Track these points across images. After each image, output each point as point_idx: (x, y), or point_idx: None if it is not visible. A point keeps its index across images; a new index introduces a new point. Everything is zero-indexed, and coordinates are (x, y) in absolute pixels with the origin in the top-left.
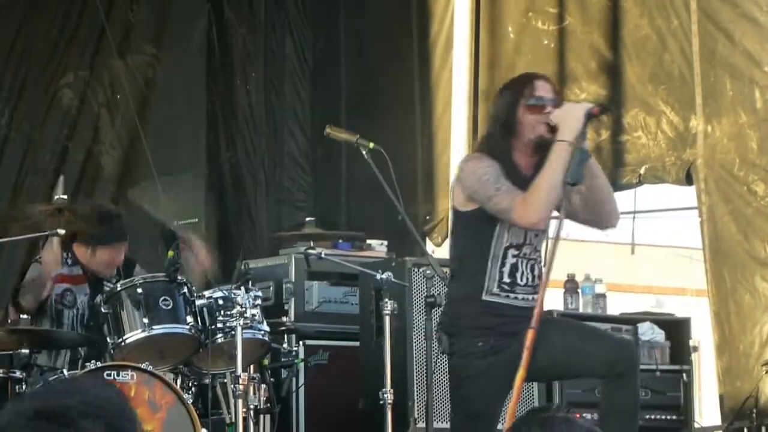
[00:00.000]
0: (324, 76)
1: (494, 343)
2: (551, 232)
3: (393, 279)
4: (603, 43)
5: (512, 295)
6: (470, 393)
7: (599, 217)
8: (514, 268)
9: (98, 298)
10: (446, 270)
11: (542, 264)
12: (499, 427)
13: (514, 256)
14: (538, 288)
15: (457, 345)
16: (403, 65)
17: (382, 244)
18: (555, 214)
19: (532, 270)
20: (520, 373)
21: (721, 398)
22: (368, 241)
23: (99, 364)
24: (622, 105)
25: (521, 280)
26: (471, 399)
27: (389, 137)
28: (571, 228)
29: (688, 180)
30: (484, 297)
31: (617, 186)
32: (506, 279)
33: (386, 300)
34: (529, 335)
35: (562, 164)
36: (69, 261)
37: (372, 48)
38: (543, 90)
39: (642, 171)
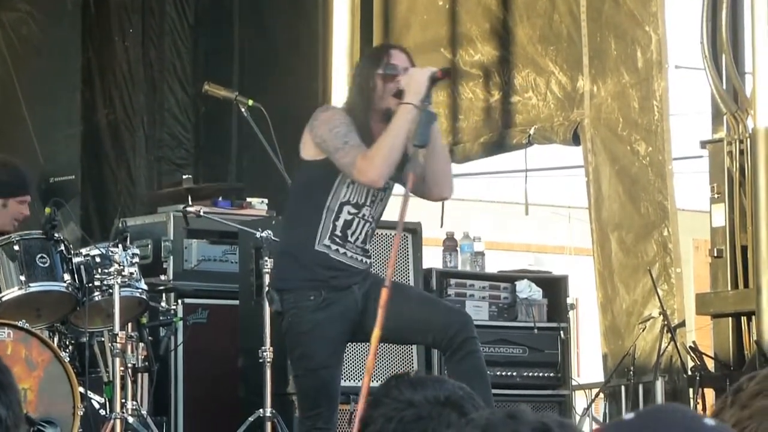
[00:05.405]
0: (210, 34)
1: (326, 296)
2: (406, 194)
3: (273, 237)
4: (495, 3)
5: (342, 250)
6: (308, 349)
7: (437, 184)
8: (347, 224)
9: None
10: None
11: (374, 229)
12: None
13: (350, 213)
14: (368, 252)
15: (288, 300)
16: (306, 27)
17: (262, 202)
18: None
19: (365, 233)
20: (376, 332)
21: (605, 357)
22: (248, 200)
23: None
24: (513, 66)
25: (351, 238)
26: (309, 354)
27: (289, 99)
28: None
29: (576, 140)
30: (316, 247)
31: (506, 147)
32: (338, 232)
33: (266, 258)
34: (383, 294)
35: (405, 125)
36: None
37: (274, 8)
38: (398, 60)
39: (531, 132)
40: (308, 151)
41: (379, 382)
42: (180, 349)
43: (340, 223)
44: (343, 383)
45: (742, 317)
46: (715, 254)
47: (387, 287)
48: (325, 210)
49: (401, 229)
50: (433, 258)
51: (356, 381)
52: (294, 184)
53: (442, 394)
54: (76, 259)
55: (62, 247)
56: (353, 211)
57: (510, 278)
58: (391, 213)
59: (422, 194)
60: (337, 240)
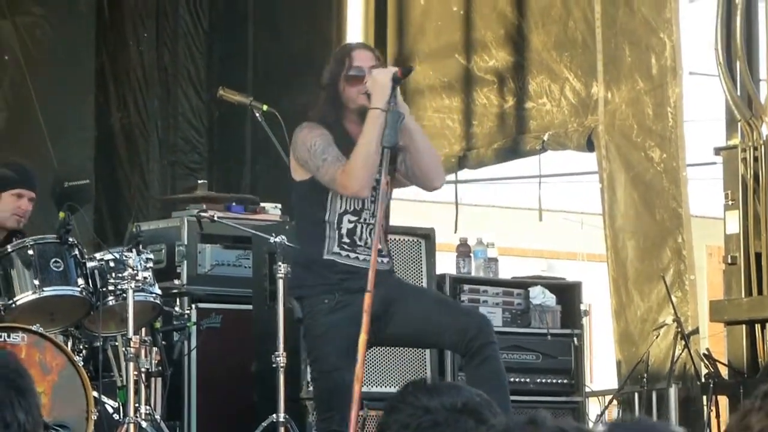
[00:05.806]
0: (224, 39)
1: (339, 299)
2: (382, 197)
3: (287, 242)
4: (510, 9)
5: (353, 255)
6: (321, 351)
7: (425, 176)
8: (351, 231)
9: None
10: None
11: (384, 227)
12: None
13: (351, 221)
14: (382, 251)
15: (306, 306)
16: (321, 32)
17: (276, 207)
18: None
19: (371, 234)
20: (362, 337)
21: (619, 364)
22: (262, 204)
23: None
24: (528, 72)
25: (360, 242)
26: (322, 357)
27: (304, 104)
28: (464, 192)
29: (590, 146)
30: (326, 256)
31: (520, 153)
32: (345, 239)
33: (280, 263)
34: (366, 298)
35: (375, 131)
36: None
37: (288, 13)
38: (361, 60)
39: (545, 137)
40: (296, 172)
41: (394, 388)
42: (193, 353)
43: (344, 231)
44: None
45: (756, 324)
46: (729, 261)
47: (369, 292)
48: (326, 224)
49: (379, 230)
50: (446, 264)
51: (371, 386)
52: (293, 204)
53: (459, 401)
54: (90, 264)
55: (76, 252)
56: (353, 218)
57: (523, 284)
58: (403, 218)
59: (416, 185)
60: (346, 246)
